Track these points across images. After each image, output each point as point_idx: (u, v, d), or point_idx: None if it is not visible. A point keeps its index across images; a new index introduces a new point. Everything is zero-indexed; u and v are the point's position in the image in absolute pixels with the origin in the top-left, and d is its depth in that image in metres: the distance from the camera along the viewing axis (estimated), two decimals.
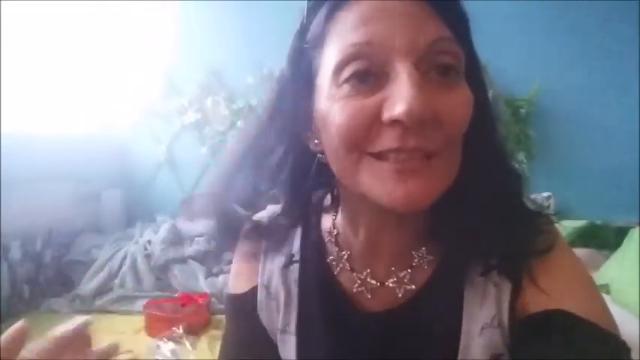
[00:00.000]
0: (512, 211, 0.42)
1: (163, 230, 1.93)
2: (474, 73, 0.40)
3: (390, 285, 0.45)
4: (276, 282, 0.50)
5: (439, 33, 0.35)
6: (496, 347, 0.41)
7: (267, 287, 0.50)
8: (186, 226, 2.01)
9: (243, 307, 0.51)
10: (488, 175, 0.41)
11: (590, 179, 1.78)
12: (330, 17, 0.38)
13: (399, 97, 0.33)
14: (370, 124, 0.35)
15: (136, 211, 2.30)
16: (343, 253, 0.47)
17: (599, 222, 1.69)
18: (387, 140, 0.35)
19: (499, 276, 0.41)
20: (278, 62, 0.46)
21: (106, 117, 2.33)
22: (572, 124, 1.80)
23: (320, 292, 0.47)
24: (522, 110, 1.80)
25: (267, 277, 0.50)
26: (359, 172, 0.37)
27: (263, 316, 0.50)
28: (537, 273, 0.40)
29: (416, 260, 0.45)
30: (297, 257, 0.49)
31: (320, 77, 0.39)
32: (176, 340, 1.34)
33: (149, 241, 1.90)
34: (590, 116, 1.78)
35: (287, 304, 0.49)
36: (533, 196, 1.65)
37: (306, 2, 0.41)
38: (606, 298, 1.35)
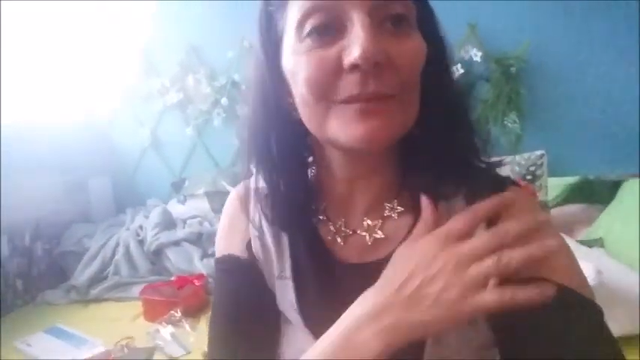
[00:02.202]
0: (468, 164, 0.45)
1: (155, 215, 1.90)
2: (428, 26, 0.43)
3: (362, 233, 0.48)
4: (267, 233, 0.52)
5: None
6: None
7: (261, 239, 0.53)
8: (178, 209, 1.98)
9: (242, 263, 0.53)
10: (447, 127, 0.44)
11: (583, 135, 1.76)
12: None
13: (355, 43, 0.37)
14: (333, 73, 0.38)
15: (126, 198, 2.26)
16: (321, 205, 0.50)
17: (591, 177, 1.69)
18: (349, 86, 0.38)
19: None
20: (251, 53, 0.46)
21: (86, 103, 2.26)
22: (563, 80, 1.76)
23: (304, 241, 0.50)
24: (513, 68, 1.75)
25: (259, 231, 0.53)
26: (327, 119, 0.40)
27: (262, 263, 0.52)
28: None
29: (387, 211, 0.47)
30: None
31: (285, 37, 0.42)
32: (175, 323, 1.34)
33: (141, 227, 1.87)
34: (581, 71, 1.74)
35: (279, 253, 0.51)
36: (526, 155, 1.62)
37: None
38: (601, 251, 1.36)
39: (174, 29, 2.17)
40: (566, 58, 1.75)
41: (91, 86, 2.25)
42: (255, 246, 0.53)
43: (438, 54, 0.43)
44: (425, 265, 0.37)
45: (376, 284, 0.40)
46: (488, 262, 0.35)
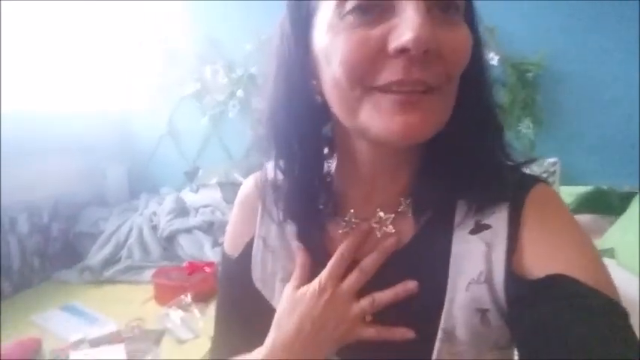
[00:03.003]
0: (495, 168, 0.44)
1: (168, 202, 1.94)
2: (471, 17, 0.41)
3: (373, 225, 0.47)
4: (275, 235, 0.52)
5: None
6: (482, 303, 0.41)
7: (265, 239, 0.52)
8: (191, 198, 2.02)
9: (238, 270, 0.54)
10: (478, 125, 0.42)
11: (597, 145, 1.75)
12: None
13: (407, 26, 0.34)
14: (375, 55, 0.35)
15: (140, 184, 2.31)
16: (335, 199, 0.49)
17: (605, 187, 1.68)
18: (392, 72, 0.35)
19: (492, 235, 0.42)
20: (275, 28, 0.44)
21: (105, 91, 2.30)
22: (580, 88, 1.75)
23: (313, 238, 0.50)
24: (529, 74, 1.74)
25: (266, 230, 0.53)
26: (361, 107, 0.38)
27: (257, 269, 0.52)
28: (535, 234, 0.41)
29: (402, 206, 0.46)
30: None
31: (319, 14, 0.39)
32: (185, 307, 1.38)
33: (154, 213, 1.91)
34: (598, 81, 1.72)
35: (288, 255, 0.51)
36: (539, 162, 1.61)
37: None
38: (611, 261, 1.36)
39: (193, 21, 2.20)
40: (585, 67, 1.73)
41: (110, 75, 2.30)
42: (257, 248, 0.53)
43: (477, 48, 0.40)
44: (317, 313, 0.45)
45: (274, 334, 0.47)
46: (365, 303, 0.45)
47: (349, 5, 0.36)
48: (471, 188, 0.43)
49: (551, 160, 1.67)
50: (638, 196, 1.57)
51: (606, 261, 1.28)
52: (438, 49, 0.35)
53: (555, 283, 0.37)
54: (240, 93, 2.09)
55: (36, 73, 1.92)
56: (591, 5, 1.68)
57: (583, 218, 1.69)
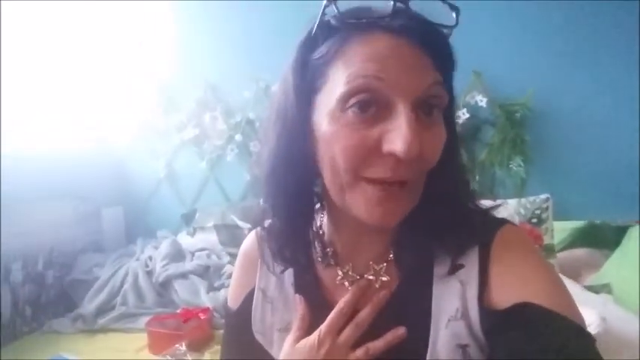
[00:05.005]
0: (465, 216, 0.48)
1: (164, 246, 1.94)
2: (449, 107, 0.46)
3: (369, 277, 0.51)
4: (274, 286, 0.56)
5: (434, 78, 0.41)
6: (461, 338, 0.44)
7: (265, 291, 0.56)
8: (187, 241, 2.02)
9: (239, 322, 0.57)
10: (450, 190, 0.48)
11: (588, 180, 1.78)
12: (344, 43, 0.42)
13: (399, 135, 0.39)
14: (371, 152, 0.41)
15: (137, 228, 2.30)
16: (328, 250, 0.53)
17: (598, 222, 1.70)
18: (381, 169, 0.41)
19: (466, 274, 0.46)
20: (274, 76, 0.49)
21: (103, 134, 2.35)
22: (568, 125, 1.80)
23: (309, 289, 0.53)
24: (517, 114, 1.81)
25: (265, 282, 0.57)
26: (349, 191, 0.43)
27: (256, 320, 0.56)
28: (501, 269, 0.45)
29: (391, 255, 0.51)
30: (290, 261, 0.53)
31: (323, 95, 0.43)
32: (179, 357, 1.34)
33: (150, 258, 1.90)
34: (586, 117, 1.78)
35: (285, 305, 0.55)
36: (531, 199, 1.65)
37: (318, 17, 0.44)
38: (608, 297, 1.35)
39: (193, 68, 2.29)
40: (571, 104, 1.80)
41: (108, 118, 2.35)
42: (256, 300, 0.56)
43: (451, 133, 0.46)
44: None
45: None
46: (360, 353, 0.48)
47: (351, 102, 0.41)
48: (446, 233, 0.47)
49: (543, 196, 1.70)
50: (630, 229, 1.59)
51: (602, 297, 1.26)
52: (420, 151, 0.40)
53: (521, 310, 0.41)
54: (238, 137, 2.14)
55: (30, 118, 1.96)
56: (574, 44, 1.77)
57: (578, 252, 1.70)
